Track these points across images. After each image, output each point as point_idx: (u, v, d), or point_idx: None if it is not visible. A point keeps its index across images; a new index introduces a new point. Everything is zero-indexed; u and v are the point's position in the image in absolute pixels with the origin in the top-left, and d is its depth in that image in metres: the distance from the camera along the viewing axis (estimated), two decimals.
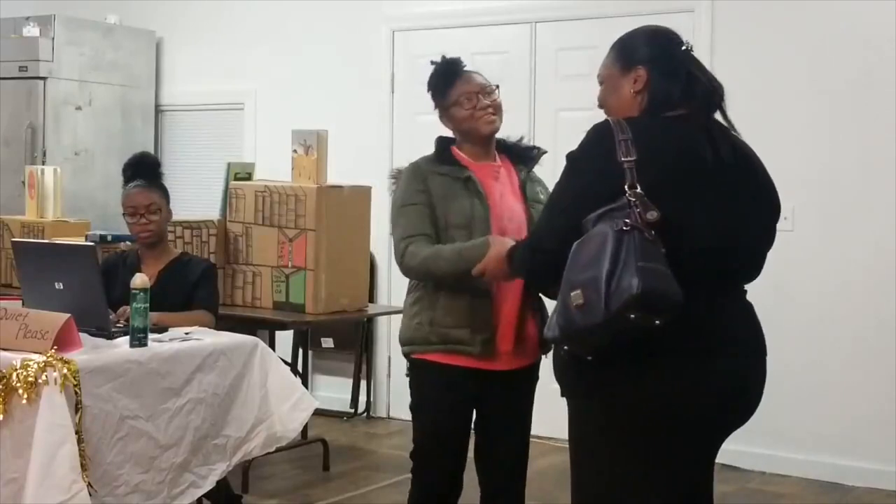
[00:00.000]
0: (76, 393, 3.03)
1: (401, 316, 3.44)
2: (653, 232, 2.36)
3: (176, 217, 4.57)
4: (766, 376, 2.61)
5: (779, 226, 2.65)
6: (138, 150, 7.20)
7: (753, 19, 5.57)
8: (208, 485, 3.44)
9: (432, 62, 3.43)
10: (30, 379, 3.00)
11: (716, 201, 2.49)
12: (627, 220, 2.35)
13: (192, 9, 7.36)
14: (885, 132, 5.24)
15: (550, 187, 2.69)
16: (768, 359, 2.59)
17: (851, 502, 5.11)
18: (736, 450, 5.41)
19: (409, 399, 3.39)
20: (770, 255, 2.62)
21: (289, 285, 4.86)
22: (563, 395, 2.62)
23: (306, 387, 5.82)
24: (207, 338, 3.56)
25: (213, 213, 5.28)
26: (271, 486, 5.19)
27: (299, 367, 6.19)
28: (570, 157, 2.55)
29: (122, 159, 7.15)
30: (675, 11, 5.60)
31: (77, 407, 3.03)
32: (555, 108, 6.07)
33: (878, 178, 5.26)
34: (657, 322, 2.33)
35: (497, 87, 3.39)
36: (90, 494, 3.01)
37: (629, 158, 2.42)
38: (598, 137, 2.50)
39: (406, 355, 3.38)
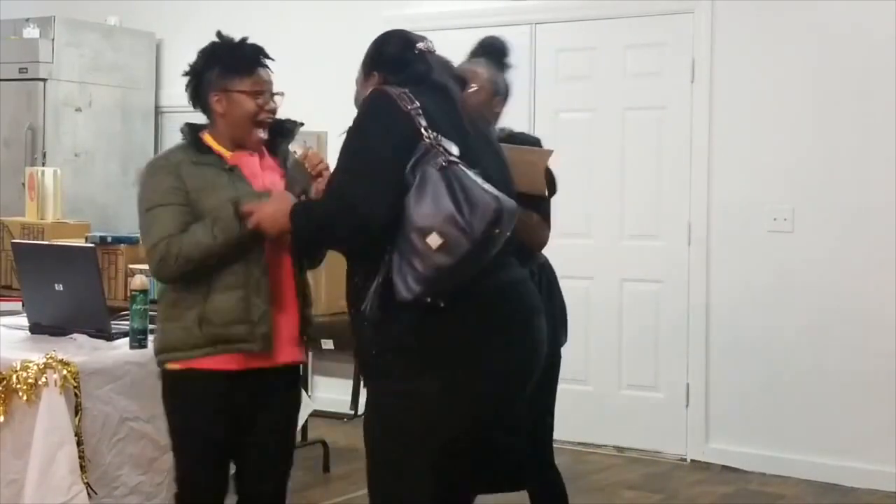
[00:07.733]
0: (76, 395, 3.03)
1: None
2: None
3: None
4: None
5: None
6: (138, 151, 7.29)
7: (753, 19, 5.57)
8: None
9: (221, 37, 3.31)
10: (30, 381, 3.00)
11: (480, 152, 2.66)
12: (443, 158, 2.48)
13: (193, 10, 7.35)
14: (884, 133, 5.24)
15: None
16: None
17: (851, 503, 5.11)
18: (736, 451, 5.43)
19: None
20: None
21: None
22: (372, 378, 2.69)
23: (306, 388, 5.82)
24: None
25: None
26: None
27: None
28: (356, 124, 2.69)
29: (122, 161, 7.28)
30: (674, 12, 5.60)
31: (77, 409, 3.03)
32: (554, 110, 6.07)
33: (877, 179, 5.25)
34: (498, 232, 2.46)
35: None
36: (89, 496, 3.02)
37: (414, 105, 2.56)
38: (378, 101, 2.64)
39: (161, 364, 2.98)
